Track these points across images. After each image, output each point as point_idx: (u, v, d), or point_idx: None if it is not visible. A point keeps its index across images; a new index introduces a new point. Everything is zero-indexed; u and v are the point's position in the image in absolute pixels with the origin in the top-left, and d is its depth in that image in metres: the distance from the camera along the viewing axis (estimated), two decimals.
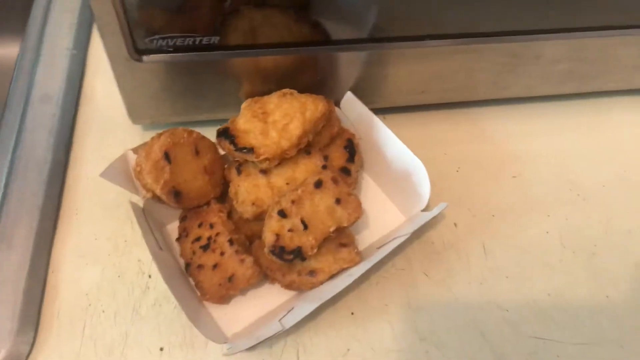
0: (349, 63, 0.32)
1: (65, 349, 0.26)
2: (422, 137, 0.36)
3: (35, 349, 0.26)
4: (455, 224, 0.33)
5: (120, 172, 0.27)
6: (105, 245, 0.30)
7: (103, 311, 0.28)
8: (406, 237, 0.29)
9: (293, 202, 0.27)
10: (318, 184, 0.28)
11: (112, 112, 0.33)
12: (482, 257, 0.32)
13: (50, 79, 0.35)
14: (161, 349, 0.27)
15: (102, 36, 0.27)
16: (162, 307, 0.28)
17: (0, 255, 0.28)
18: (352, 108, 0.33)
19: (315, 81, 0.32)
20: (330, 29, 0.30)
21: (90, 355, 0.26)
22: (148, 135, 0.32)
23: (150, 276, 0.29)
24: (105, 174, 0.27)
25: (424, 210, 0.31)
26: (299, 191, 0.28)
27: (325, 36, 0.31)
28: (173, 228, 0.30)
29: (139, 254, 0.29)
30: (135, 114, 0.32)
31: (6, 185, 0.30)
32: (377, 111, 0.35)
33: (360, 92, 0.33)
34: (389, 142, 0.31)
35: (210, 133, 0.30)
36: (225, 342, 0.26)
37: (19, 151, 0.31)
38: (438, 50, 0.32)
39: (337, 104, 0.34)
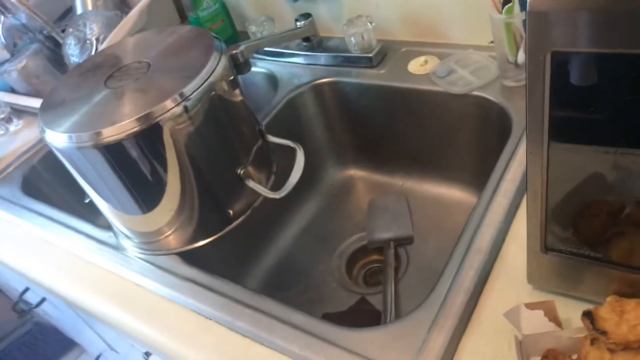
0: None
1: None
2: None
3: None
4: None
5: (513, 315, 0.45)
6: (490, 352, 0.48)
7: None
8: None
9: None
10: None
11: (516, 271, 0.52)
12: None
13: (485, 236, 0.56)
14: None
15: (528, 234, 0.46)
16: None
17: (435, 334, 0.49)
18: None
19: None
20: None
21: None
22: (535, 293, 0.50)
23: None
24: (506, 314, 0.45)
25: None
26: None
27: None
28: (535, 359, 0.46)
29: None
30: (532, 279, 0.50)
31: (447, 293, 0.52)
32: None
33: None
34: None
35: (579, 307, 0.44)
36: None
37: (456, 277, 0.53)
38: None
39: None
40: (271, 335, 0.54)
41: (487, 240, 0.56)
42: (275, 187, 0.70)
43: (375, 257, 0.88)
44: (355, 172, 1.00)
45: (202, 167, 0.66)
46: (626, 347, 0.41)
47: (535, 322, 0.45)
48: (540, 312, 0.45)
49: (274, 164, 0.76)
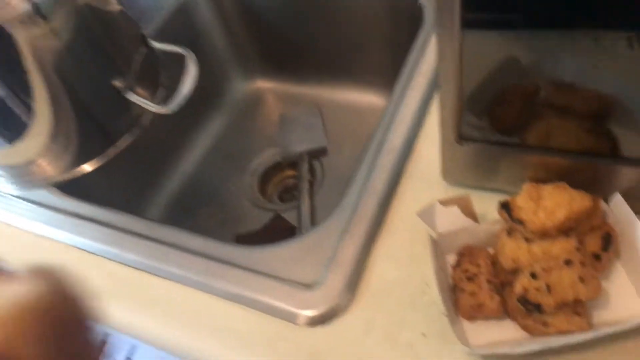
0: (627, 175, 0.39)
1: (366, 313, 0.42)
2: None
3: (352, 305, 0.43)
4: None
5: (427, 214, 0.42)
6: (403, 255, 0.44)
7: (393, 296, 0.42)
8: (637, 326, 0.35)
9: (544, 269, 0.36)
10: (568, 262, 0.36)
11: (430, 169, 0.48)
12: None
13: (396, 136, 0.51)
14: (423, 334, 0.40)
15: (441, 123, 0.41)
16: (431, 308, 0.41)
17: (346, 242, 0.45)
18: (618, 208, 0.39)
19: (591, 180, 0.40)
20: (617, 143, 0.38)
21: (380, 322, 0.41)
22: (450, 190, 0.46)
23: (427, 285, 0.42)
24: (419, 214, 0.41)
25: None
26: (551, 263, 0.37)
27: (610, 149, 0.39)
28: (452, 257, 0.42)
29: (424, 268, 0.43)
30: (446, 174, 0.46)
31: (358, 199, 0.48)
32: None
33: (632, 196, 0.39)
34: None
35: (494, 199, 0.41)
36: (468, 346, 0.37)
37: (367, 181, 0.48)
38: None
39: (607, 200, 0.40)
40: (166, 265, 0.48)
41: (399, 139, 0.51)
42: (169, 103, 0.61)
43: (289, 172, 0.82)
44: (262, 84, 0.91)
45: (72, 81, 0.55)
46: (544, 234, 0.38)
47: (450, 219, 0.41)
48: (455, 208, 0.41)
49: (162, 75, 0.66)
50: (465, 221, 0.42)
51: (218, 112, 0.88)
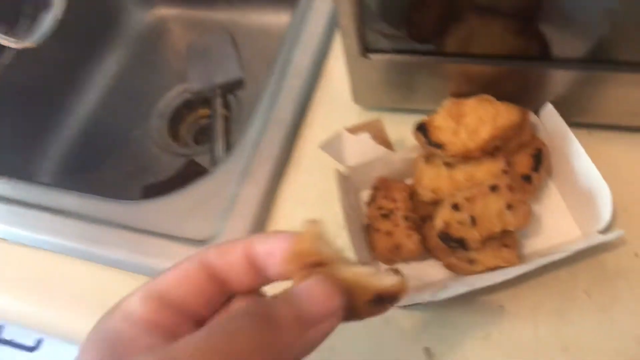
0: (559, 80, 0.33)
1: None
2: (625, 160, 0.36)
3: None
4: (636, 254, 0.33)
5: (333, 146, 0.35)
6: (314, 195, 0.38)
7: None
8: (572, 253, 0.30)
9: (467, 199, 0.31)
10: (493, 188, 0.31)
11: (341, 93, 0.41)
12: None
13: (302, 57, 0.44)
14: None
15: (342, 34, 0.34)
16: (345, 252, 0.35)
17: (248, 186, 0.38)
18: (549, 119, 0.34)
19: (518, 90, 0.34)
20: (547, 44, 0.32)
21: None
22: (365, 115, 0.40)
23: (341, 227, 0.36)
24: (323, 147, 0.34)
25: (602, 232, 0.32)
26: (475, 190, 0.31)
27: (540, 51, 0.33)
28: (365, 194, 0.37)
29: (336, 208, 0.37)
30: (358, 97, 0.39)
31: (261, 134, 0.40)
32: (582, 125, 0.35)
33: (564, 105, 0.34)
34: (579, 158, 0.32)
35: (412, 122, 0.35)
36: None
37: (271, 112, 0.41)
38: None
39: (537, 112, 0.35)
40: (35, 232, 0.40)
41: (306, 60, 0.44)
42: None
43: (203, 110, 0.73)
44: (164, 10, 0.80)
45: None
46: (466, 157, 0.32)
47: (361, 149, 0.35)
48: (366, 136, 0.35)
49: (25, 4, 0.55)
50: (379, 150, 0.35)
51: (114, 46, 0.76)
